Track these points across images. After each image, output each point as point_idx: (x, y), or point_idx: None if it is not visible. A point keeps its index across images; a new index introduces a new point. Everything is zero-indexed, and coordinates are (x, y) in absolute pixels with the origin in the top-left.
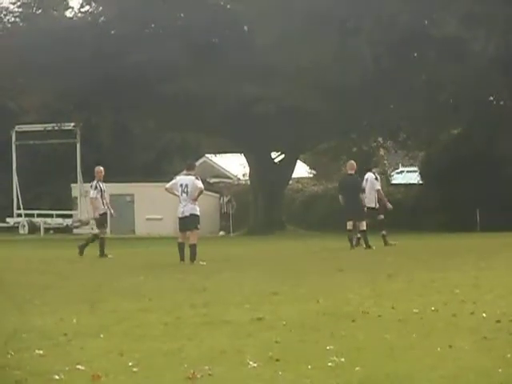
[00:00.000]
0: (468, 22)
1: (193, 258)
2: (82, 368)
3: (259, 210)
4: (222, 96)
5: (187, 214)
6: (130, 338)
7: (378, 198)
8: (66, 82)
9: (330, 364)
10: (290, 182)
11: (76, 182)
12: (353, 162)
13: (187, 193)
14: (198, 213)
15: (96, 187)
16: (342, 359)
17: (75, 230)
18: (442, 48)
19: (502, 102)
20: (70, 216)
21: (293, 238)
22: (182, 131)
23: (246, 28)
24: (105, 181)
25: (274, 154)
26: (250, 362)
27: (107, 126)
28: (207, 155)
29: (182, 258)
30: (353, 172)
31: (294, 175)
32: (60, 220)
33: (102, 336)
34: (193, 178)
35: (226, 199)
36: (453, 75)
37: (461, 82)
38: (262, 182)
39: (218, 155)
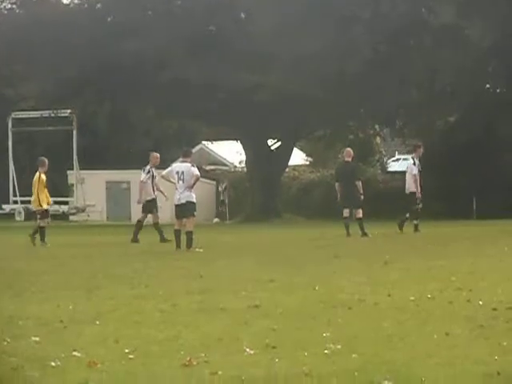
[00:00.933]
0: (465, 10)
1: (189, 245)
2: (78, 355)
3: (255, 198)
4: (220, 83)
5: (183, 201)
6: (126, 325)
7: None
8: (63, 68)
9: (326, 351)
10: (287, 169)
11: (72, 169)
12: (349, 149)
13: (183, 180)
14: (195, 200)
15: (148, 171)
16: (339, 346)
17: (71, 217)
18: (440, 36)
19: (498, 90)
20: (67, 203)
21: (289, 226)
22: (180, 118)
23: (243, 15)
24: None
25: (270, 142)
26: (247, 349)
27: (104, 113)
28: (204, 142)
29: (179, 245)
30: (350, 159)
31: (291, 163)
32: (56, 207)
33: (98, 323)
34: (189, 165)
35: (222, 186)
36: (450, 63)
37: (458, 69)
38: (259, 169)
39: (214, 142)
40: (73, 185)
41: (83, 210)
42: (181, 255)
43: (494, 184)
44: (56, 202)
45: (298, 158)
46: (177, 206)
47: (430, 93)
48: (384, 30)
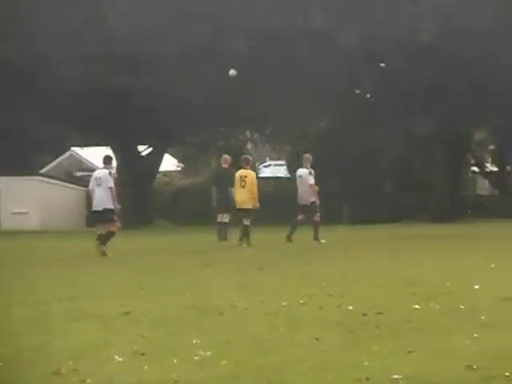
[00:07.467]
0: (334, 14)
1: (104, 240)
2: None
3: (127, 204)
4: (90, 87)
5: (100, 208)
6: None
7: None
8: None
9: (196, 358)
10: (158, 175)
11: None
12: (227, 155)
13: (100, 185)
14: (112, 206)
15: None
16: (209, 353)
17: None
18: (311, 41)
19: (368, 95)
20: None
21: (161, 232)
22: (50, 123)
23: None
24: None
25: (141, 148)
26: (116, 357)
27: None
28: (73, 148)
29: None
30: (226, 166)
31: (162, 168)
32: None
33: None
34: (106, 171)
35: None
36: (321, 68)
37: (326, 74)
38: (129, 175)
39: (84, 148)
40: None
41: None
42: (52, 261)
43: (367, 190)
44: None
45: (169, 164)
46: (94, 212)
47: (299, 98)
48: (256, 36)
